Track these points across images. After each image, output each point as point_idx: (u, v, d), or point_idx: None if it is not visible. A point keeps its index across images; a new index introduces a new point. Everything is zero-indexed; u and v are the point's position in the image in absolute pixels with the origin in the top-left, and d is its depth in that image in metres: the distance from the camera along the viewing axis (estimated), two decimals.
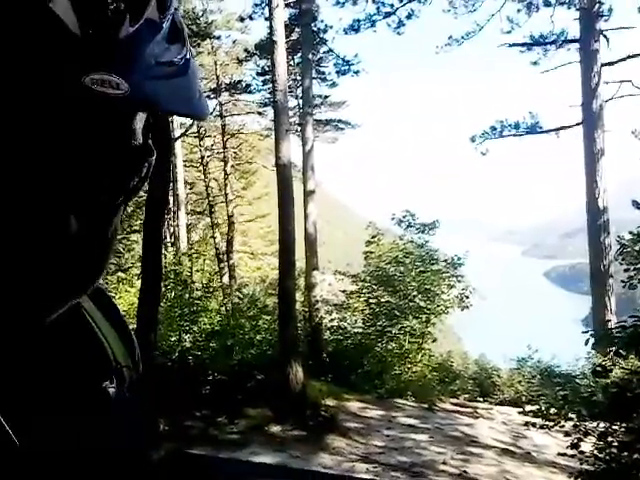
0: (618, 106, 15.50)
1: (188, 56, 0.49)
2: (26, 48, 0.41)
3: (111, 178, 0.48)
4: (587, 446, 4.84)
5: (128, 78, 0.43)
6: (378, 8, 15.10)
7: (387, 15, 15.14)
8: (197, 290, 11.02)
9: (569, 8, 14.42)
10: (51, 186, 0.45)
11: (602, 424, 4.81)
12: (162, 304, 9.28)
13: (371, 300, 12.38)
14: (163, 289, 9.46)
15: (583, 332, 5.29)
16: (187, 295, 10.48)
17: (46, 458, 0.50)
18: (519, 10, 15.06)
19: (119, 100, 0.43)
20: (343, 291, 13.57)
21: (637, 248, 6.63)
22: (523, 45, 15.33)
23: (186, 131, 18.33)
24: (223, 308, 11.33)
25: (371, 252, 12.98)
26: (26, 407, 0.50)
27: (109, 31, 0.43)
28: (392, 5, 15.06)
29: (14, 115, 0.43)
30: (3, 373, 0.49)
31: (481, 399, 10.57)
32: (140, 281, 7.23)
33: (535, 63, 15.31)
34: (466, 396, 10.58)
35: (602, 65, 13.90)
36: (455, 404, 9.73)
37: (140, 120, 0.50)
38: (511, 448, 7.23)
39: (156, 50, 0.46)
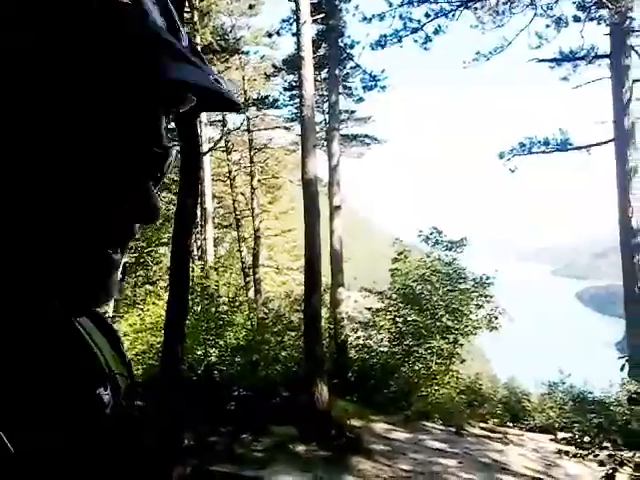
0: None
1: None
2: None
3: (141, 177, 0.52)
4: (623, 477, 4.64)
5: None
6: (405, 24, 15.12)
7: (414, 31, 15.14)
8: (223, 304, 11.04)
9: (599, 24, 14.22)
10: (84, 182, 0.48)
11: (639, 454, 4.63)
12: (189, 317, 9.32)
13: (397, 318, 12.18)
14: (190, 302, 9.50)
15: (619, 358, 5.12)
16: (214, 309, 10.49)
17: (40, 466, 0.49)
18: (548, 25, 14.90)
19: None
20: (369, 308, 13.39)
21: None
22: (552, 60, 15.15)
23: (214, 145, 18.54)
24: (249, 323, 11.32)
25: (397, 269, 12.81)
26: (18, 415, 0.48)
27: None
28: (419, 21, 15.08)
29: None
30: None
31: (511, 424, 10.25)
32: (168, 294, 7.26)
33: (565, 79, 15.11)
34: (495, 420, 10.26)
35: (634, 81, 13.64)
36: (484, 429, 9.47)
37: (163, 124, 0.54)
38: (543, 477, 6.97)
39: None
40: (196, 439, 6.81)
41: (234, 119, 20.38)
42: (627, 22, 13.37)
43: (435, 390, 10.65)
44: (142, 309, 11.55)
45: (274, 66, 18.34)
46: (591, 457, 5.45)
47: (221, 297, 11.29)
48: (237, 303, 11.50)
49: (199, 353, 9.36)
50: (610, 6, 13.02)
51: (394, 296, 12.52)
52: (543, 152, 15.35)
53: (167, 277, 9.03)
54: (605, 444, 5.38)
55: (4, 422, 0.46)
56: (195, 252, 17.20)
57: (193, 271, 11.07)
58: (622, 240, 13.51)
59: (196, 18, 16.45)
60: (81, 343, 0.61)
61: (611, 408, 8.41)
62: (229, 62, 17.93)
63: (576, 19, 14.54)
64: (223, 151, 20.19)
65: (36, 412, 0.50)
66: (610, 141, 13.96)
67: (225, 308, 10.76)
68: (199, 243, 17.84)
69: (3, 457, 0.45)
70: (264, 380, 8.75)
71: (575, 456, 5.64)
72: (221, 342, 9.69)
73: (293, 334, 10.54)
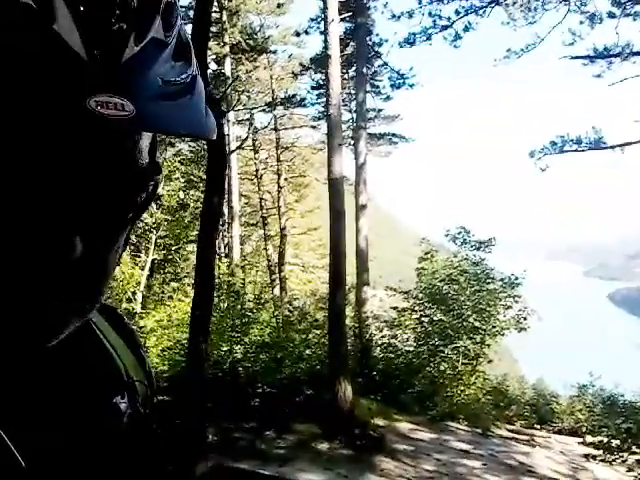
0: None
1: (195, 73, 0.48)
2: (29, 70, 0.39)
3: (117, 198, 0.48)
4: None
5: (133, 99, 0.41)
6: (434, 21, 14.94)
7: (444, 28, 14.95)
8: (249, 301, 11.12)
9: (634, 20, 13.84)
10: (55, 206, 0.44)
11: None
12: (215, 314, 9.42)
13: (423, 318, 12.09)
14: (216, 299, 9.60)
15: None
16: (239, 306, 10.57)
17: (55, 477, 0.50)
18: (582, 22, 14.56)
19: (124, 122, 0.41)
20: (394, 308, 13.32)
21: None
22: (586, 57, 14.78)
23: (241, 144, 18.69)
24: (274, 320, 11.37)
25: (424, 269, 12.70)
26: (33, 425, 0.49)
27: (114, 52, 0.41)
28: (449, 18, 14.87)
29: (17, 137, 0.42)
30: (8, 390, 0.48)
31: (538, 426, 10.08)
32: (194, 291, 7.35)
33: (599, 76, 14.72)
34: (522, 422, 10.11)
35: None
36: (511, 430, 9.33)
37: (147, 138, 0.49)
38: None
39: (162, 69, 0.45)
40: (220, 435, 6.88)
41: (261, 118, 20.54)
42: None
43: (461, 391, 10.53)
44: (169, 305, 11.73)
45: (301, 65, 18.38)
46: (619, 462, 5.33)
47: (246, 294, 11.37)
48: (262, 301, 11.57)
49: (224, 350, 9.44)
50: None
51: (420, 295, 12.42)
52: (575, 151, 14.99)
53: (194, 274, 9.15)
54: (634, 449, 5.25)
55: (16, 433, 0.46)
56: (222, 250, 17.37)
57: (219, 269, 11.17)
58: None
59: (225, 17, 16.62)
60: (100, 348, 0.60)
61: None
62: (257, 61, 18.05)
63: (611, 15, 14.18)
64: (250, 150, 20.34)
65: (51, 422, 0.50)
66: None
67: (250, 305, 10.84)
68: (226, 241, 18.01)
69: (14, 471, 0.45)
70: (288, 378, 8.79)
71: (603, 460, 5.52)
72: (246, 339, 9.75)
73: (318, 332, 10.54)
